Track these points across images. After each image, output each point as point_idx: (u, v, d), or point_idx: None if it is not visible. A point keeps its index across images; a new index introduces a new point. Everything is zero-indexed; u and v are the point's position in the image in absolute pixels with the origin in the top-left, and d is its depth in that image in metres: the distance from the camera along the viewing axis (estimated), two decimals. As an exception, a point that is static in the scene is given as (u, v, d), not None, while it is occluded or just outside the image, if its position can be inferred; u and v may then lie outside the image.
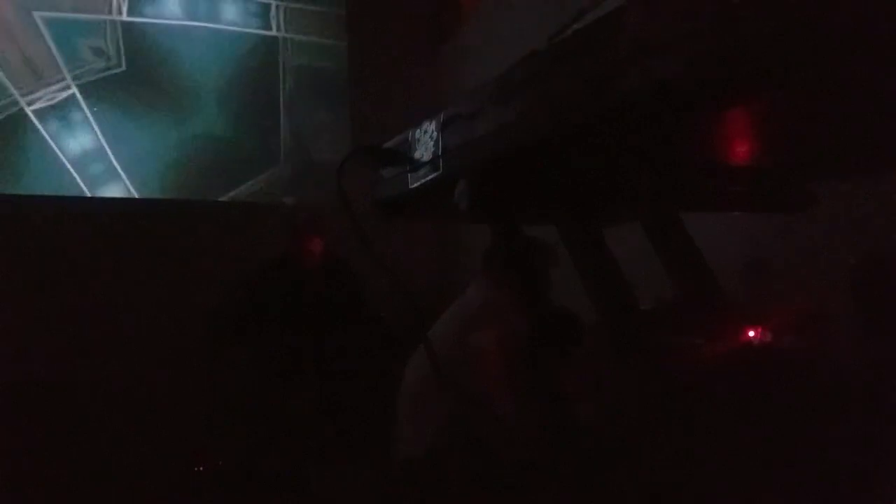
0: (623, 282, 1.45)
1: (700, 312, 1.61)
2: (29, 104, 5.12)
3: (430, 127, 1.58)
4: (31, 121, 5.13)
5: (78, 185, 5.23)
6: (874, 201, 2.32)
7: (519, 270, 1.60)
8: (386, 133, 1.78)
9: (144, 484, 4.35)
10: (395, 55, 6.07)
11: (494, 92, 1.42)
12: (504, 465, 2.39)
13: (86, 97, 5.30)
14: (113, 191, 5.34)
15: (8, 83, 5.09)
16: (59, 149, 5.21)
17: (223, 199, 5.68)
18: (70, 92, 5.24)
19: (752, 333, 1.92)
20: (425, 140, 1.59)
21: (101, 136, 5.31)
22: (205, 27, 5.73)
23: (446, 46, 6.15)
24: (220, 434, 4.50)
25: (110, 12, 5.39)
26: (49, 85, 5.20)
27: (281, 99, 5.96)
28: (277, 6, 6.00)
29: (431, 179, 1.54)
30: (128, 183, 5.37)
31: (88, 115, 5.30)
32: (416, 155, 1.61)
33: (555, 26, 1.43)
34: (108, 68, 5.38)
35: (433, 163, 1.55)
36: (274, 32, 5.98)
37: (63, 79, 5.24)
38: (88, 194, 5.27)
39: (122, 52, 5.41)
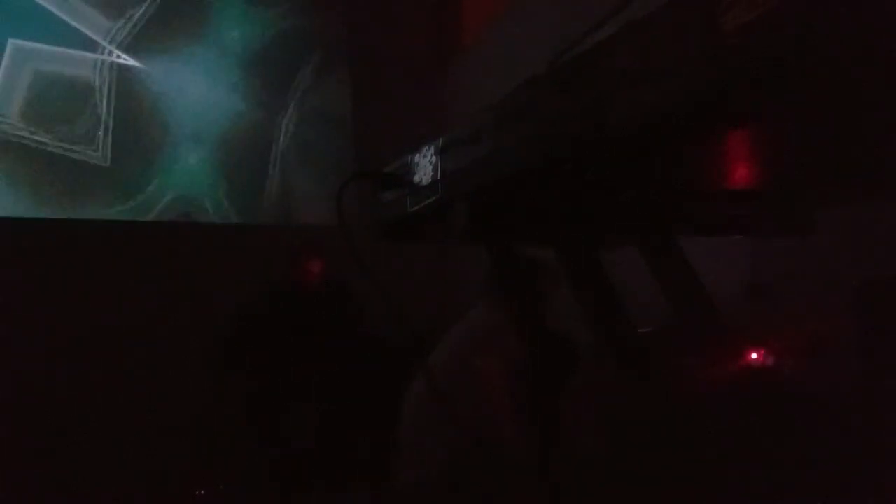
0: (621, 305, 1.45)
1: (697, 336, 1.61)
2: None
3: (429, 151, 1.59)
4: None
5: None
6: (876, 225, 2.31)
7: (519, 294, 1.60)
8: (390, 156, 1.79)
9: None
10: (399, 77, 6.11)
11: (492, 117, 1.43)
12: (505, 490, 2.38)
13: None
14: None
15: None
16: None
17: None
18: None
19: (752, 357, 1.91)
20: (424, 164, 1.60)
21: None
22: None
23: (451, 69, 6.19)
24: (221, 458, 4.48)
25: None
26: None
27: (284, 122, 5.99)
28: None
29: (430, 203, 1.55)
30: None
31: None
32: (416, 179, 1.62)
33: (556, 50, 1.44)
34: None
35: (431, 186, 1.56)
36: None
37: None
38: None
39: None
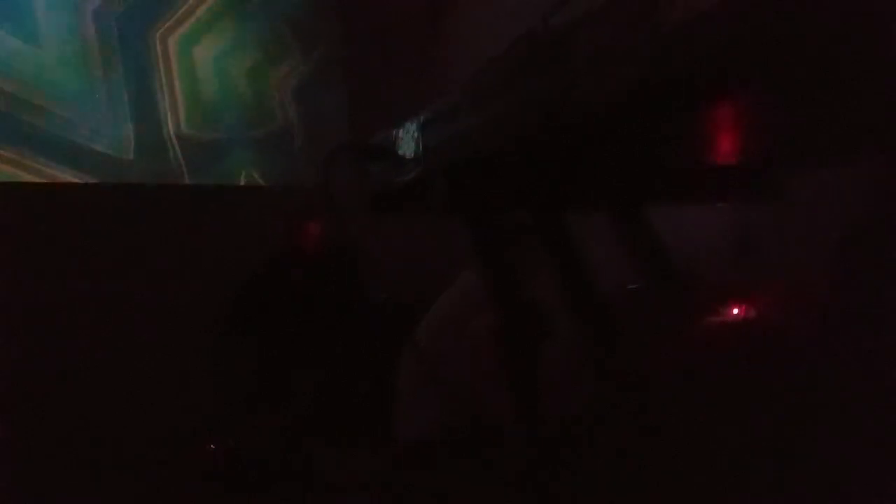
0: (597, 274, 1.50)
1: (668, 299, 1.66)
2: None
3: (412, 125, 1.63)
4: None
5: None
6: (853, 187, 2.35)
7: (498, 262, 1.65)
8: (384, 125, 1.81)
9: (147, 462, 4.40)
10: (393, 41, 6.06)
11: (471, 90, 1.46)
12: (496, 453, 2.44)
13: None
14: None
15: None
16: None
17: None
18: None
19: (733, 313, 1.96)
20: (408, 137, 1.64)
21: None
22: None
23: (444, 30, 6.13)
24: (225, 413, 4.53)
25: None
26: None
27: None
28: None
29: (412, 176, 1.59)
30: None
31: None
32: (400, 151, 1.66)
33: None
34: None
35: (415, 159, 1.60)
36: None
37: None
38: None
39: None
